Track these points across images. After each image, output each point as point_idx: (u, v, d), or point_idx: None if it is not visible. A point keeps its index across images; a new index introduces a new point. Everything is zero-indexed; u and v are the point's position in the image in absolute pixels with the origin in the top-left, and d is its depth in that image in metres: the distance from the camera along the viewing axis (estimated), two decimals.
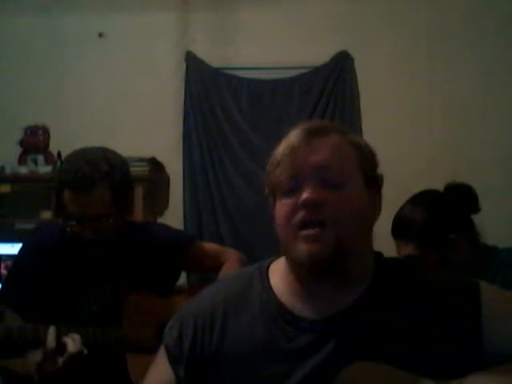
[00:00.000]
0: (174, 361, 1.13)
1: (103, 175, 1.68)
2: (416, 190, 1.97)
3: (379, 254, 1.14)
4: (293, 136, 1.08)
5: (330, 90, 3.84)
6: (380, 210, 1.11)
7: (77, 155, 1.74)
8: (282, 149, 1.08)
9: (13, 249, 3.13)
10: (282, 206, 1.06)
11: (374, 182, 1.09)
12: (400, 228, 1.90)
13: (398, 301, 1.07)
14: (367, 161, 1.09)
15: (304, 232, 1.02)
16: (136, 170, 3.56)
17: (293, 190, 1.05)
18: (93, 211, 1.68)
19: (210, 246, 2.10)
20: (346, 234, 1.02)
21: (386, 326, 1.04)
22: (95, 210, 1.69)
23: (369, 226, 1.09)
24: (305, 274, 1.05)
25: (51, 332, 1.57)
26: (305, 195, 1.02)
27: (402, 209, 1.93)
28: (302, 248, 1.02)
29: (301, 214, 1.02)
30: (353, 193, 1.05)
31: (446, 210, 1.89)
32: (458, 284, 1.10)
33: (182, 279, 3.09)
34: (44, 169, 3.72)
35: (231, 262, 2.00)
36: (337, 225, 1.02)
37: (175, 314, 1.18)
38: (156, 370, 1.17)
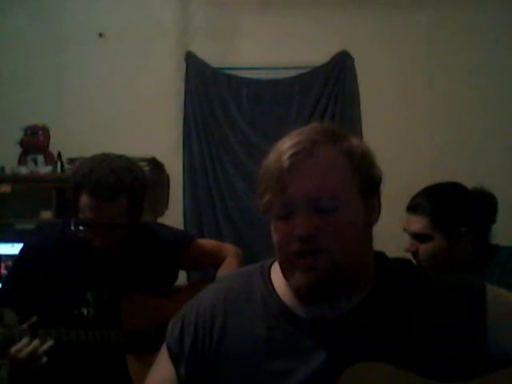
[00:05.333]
0: (175, 359, 1.13)
1: (126, 186, 1.69)
2: (417, 190, 1.97)
3: (381, 256, 1.13)
4: (281, 159, 1.02)
5: (330, 90, 3.84)
6: (380, 211, 1.09)
7: (99, 162, 1.73)
8: (270, 173, 1.03)
9: (13, 249, 3.12)
10: (276, 231, 1.06)
11: (370, 186, 1.06)
12: (416, 202, 1.91)
13: (401, 304, 1.07)
14: (361, 168, 1.05)
15: (300, 261, 1.02)
16: None
17: (285, 216, 1.03)
18: (109, 220, 1.69)
19: (207, 244, 2.11)
20: (342, 255, 1.02)
21: (388, 329, 1.04)
22: (112, 219, 1.69)
23: (366, 237, 1.07)
24: (303, 298, 1.05)
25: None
26: (298, 229, 1.01)
27: (424, 188, 1.95)
28: (299, 277, 1.03)
29: (296, 245, 1.02)
30: (347, 211, 1.02)
31: (464, 201, 1.90)
32: (463, 286, 1.11)
33: (183, 278, 3.11)
34: (44, 169, 3.72)
35: (229, 259, 2.03)
36: (332, 249, 1.01)
37: (177, 313, 1.18)
38: (158, 368, 1.17)
